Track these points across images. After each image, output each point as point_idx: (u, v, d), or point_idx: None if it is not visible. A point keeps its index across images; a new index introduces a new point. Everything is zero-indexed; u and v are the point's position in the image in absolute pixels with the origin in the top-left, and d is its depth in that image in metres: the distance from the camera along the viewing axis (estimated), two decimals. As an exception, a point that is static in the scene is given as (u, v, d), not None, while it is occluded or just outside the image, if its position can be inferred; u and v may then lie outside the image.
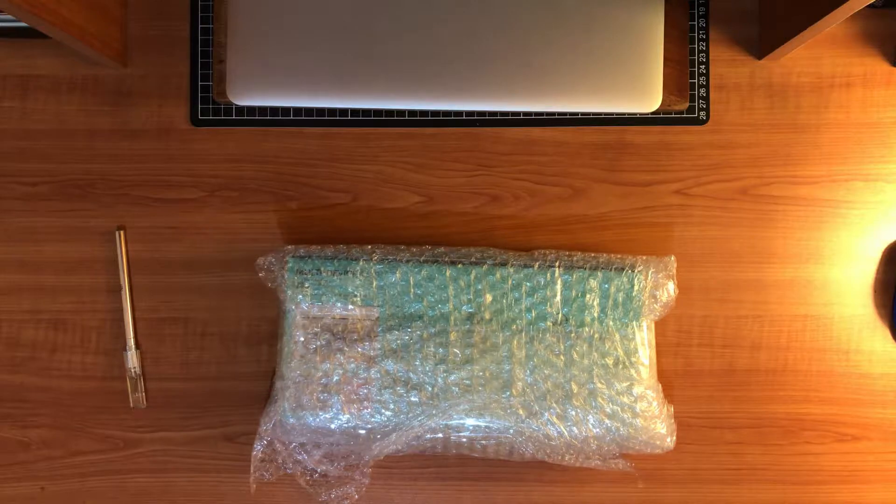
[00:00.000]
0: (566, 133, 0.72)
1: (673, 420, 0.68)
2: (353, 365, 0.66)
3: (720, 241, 0.72)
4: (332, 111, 0.72)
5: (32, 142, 0.72)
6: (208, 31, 0.72)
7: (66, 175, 0.72)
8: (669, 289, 0.67)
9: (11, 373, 0.72)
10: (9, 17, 0.68)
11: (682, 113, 0.72)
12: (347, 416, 0.66)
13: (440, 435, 0.67)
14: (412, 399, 0.66)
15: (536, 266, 0.67)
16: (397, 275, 0.66)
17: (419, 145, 0.72)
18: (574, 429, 0.66)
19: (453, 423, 0.66)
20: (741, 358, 0.72)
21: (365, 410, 0.66)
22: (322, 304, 0.66)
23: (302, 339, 0.66)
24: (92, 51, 0.66)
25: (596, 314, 0.67)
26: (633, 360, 0.66)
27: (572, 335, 0.67)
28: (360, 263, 0.67)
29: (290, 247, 0.68)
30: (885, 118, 0.72)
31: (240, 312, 0.72)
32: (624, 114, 0.72)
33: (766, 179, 0.72)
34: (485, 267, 0.67)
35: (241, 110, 0.72)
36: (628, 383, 0.66)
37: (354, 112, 0.72)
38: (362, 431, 0.66)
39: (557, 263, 0.67)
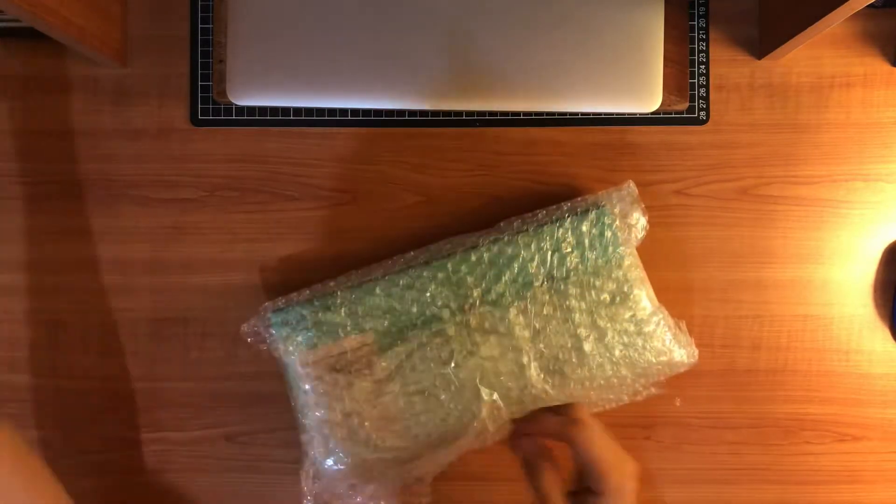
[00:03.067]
0: (566, 133, 0.72)
1: (688, 335, 0.67)
2: (365, 394, 0.66)
3: (720, 241, 0.72)
4: (332, 111, 0.72)
5: (32, 142, 0.72)
6: (208, 31, 0.72)
7: (66, 175, 0.72)
8: (638, 215, 0.68)
9: (11, 373, 0.72)
10: (9, 17, 0.68)
11: (682, 113, 0.72)
12: (380, 443, 0.66)
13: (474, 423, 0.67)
14: (433, 403, 0.66)
15: (506, 238, 0.67)
16: (377, 293, 0.66)
17: (419, 145, 0.72)
18: (596, 371, 0.66)
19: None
20: (741, 358, 0.72)
21: (395, 429, 0.66)
22: (317, 347, 0.66)
23: (309, 387, 0.66)
24: (92, 51, 0.66)
25: (577, 261, 0.67)
26: (627, 290, 0.67)
27: (562, 288, 0.67)
28: (339, 296, 0.66)
29: (267, 304, 0.67)
30: (885, 118, 0.72)
31: (240, 312, 0.72)
32: (624, 114, 0.72)
33: (766, 179, 0.72)
34: (457, 256, 0.67)
35: (241, 110, 0.72)
36: (630, 313, 0.66)
37: (354, 112, 0.72)
38: (402, 450, 0.66)
39: (524, 228, 0.67)
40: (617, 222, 0.67)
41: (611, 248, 0.67)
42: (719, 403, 0.72)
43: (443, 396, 0.66)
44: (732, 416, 0.72)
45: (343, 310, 0.66)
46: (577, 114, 0.72)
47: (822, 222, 0.72)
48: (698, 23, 0.72)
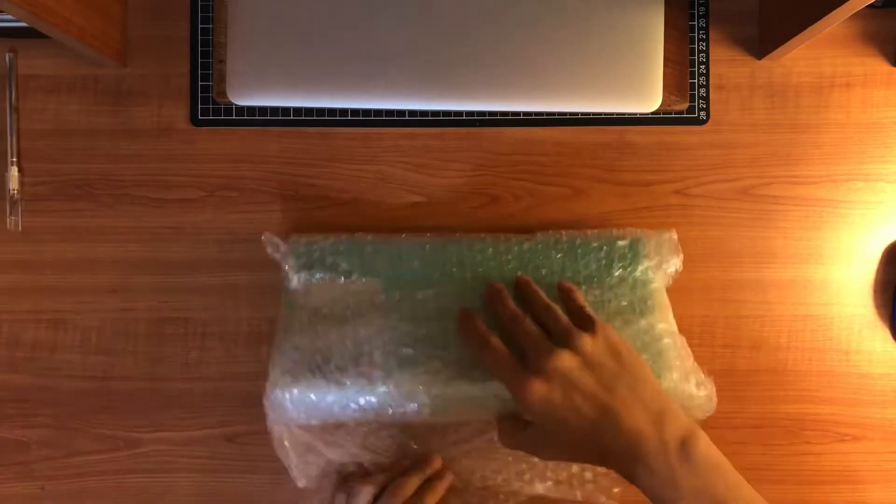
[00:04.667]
0: (566, 133, 0.72)
1: (710, 381, 0.64)
2: (357, 337, 0.65)
3: (720, 241, 0.72)
4: (332, 111, 0.72)
5: (32, 142, 0.72)
6: (208, 31, 0.72)
7: (66, 175, 0.72)
8: (675, 261, 0.67)
9: (11, 373, 0.71)
10: (9, 17, 0.68)
11: (682, 113, 0.72)
12: (349, 388, 0.64)
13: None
14: (416, 371, 0.64)
15: (539, 246, 0.67)
16: (400, 252, 0.67)
17: (419, 145, 0.72)
18: None
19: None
20: (741, 358, 0.72)
21: (367, 381, 0.65)
22: (323, 276, 0.66)
23: (305, 314, 0.66)
24: (92, 51, 0.66)
25: (600, 274, 0.66)
26: (650, 304, 0.65)
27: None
28: (366, 242, 0.67)
29: (295, 238, 0.68)
30: (885, 118, 0.72)
31: (240, 312, 0.72)
32: (624, 114, 0.72)
33: (766, 179, 0.72)
34: (489, 249, 0.67)
35: (241, 110, 0.72)
36: (646, 321, 0.64)
37: (354, 112, 0.72)
38: (364, 403, 0.65)
39: (560, 243, 0.67)
40: (651, 263, 0.67)
41: (640, 278, 0.66)
42: (719, 403, 0.71)
43: (428, 367, 0.64)
44: (732, 416, 0.72)
45: (362, 255, 0.67)
46: (577, 114, 0.72)
47: (822, 222, 0.72)
48: (698, 23, 0.72)
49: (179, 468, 0.71)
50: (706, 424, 0.72)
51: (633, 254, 0.67)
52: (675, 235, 0.68)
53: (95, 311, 0.72)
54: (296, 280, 0.67)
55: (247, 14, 0.68)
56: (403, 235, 0.69)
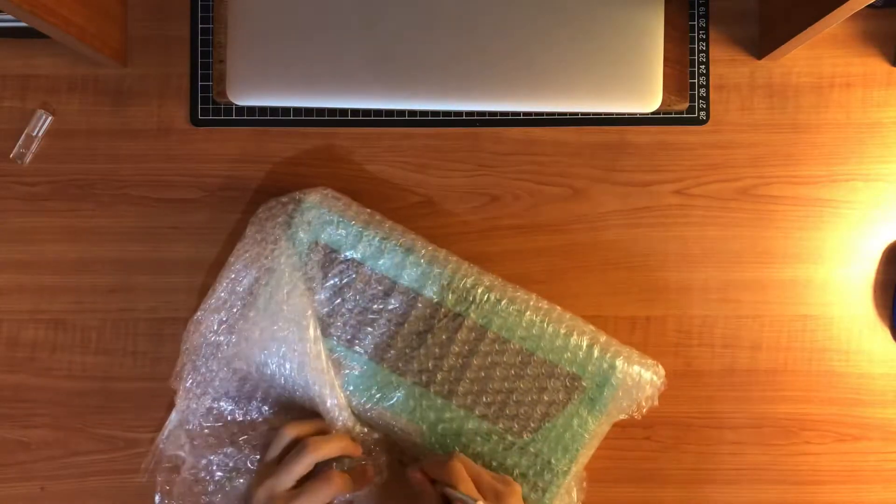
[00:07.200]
0: (566, 133, 0.72)
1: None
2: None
3: (720, 241, 0.72)
4: (332, 111, 0.72)
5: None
6: (208, 31, 0.72)
7: (66, 175, 0.72)
8: (646, 402, 0.67)
9: (11, 373, 0.72)
10: (9, 17, 0.69)
11: (682, 113, 0.72)
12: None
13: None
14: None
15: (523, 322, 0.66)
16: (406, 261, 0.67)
17: (419, 145, 0.72)
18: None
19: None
20: (741, 358, 0.72)
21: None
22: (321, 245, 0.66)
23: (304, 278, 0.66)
24: (92, 51, 0.66)
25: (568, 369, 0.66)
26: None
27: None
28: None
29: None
30: (885, 118, 0.72)
31: (240, 312, 0.72)
32: (624, 114, 0.72)
33: (766, 179, 0.72)
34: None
35: (241, 110, 0.72)
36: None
37: (354, 112, 0.72)
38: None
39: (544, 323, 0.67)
40: (619, 392, 0.65)
41: (597, 406, 0.66)
42: (719, 403, 0.72)
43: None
44: (732, 416, 0.72)
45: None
46: (577, 114, 0.72)
47: (822, 222, 0.72)
48: (698, 23, 0.72)
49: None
50: (702, 425, 0.72)
51: (603, 381, 0.66)
52: (660, 373, 0.67)
53: (95, 311, 0.72)
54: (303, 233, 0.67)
55: (247, 14, 0.68)
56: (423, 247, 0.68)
